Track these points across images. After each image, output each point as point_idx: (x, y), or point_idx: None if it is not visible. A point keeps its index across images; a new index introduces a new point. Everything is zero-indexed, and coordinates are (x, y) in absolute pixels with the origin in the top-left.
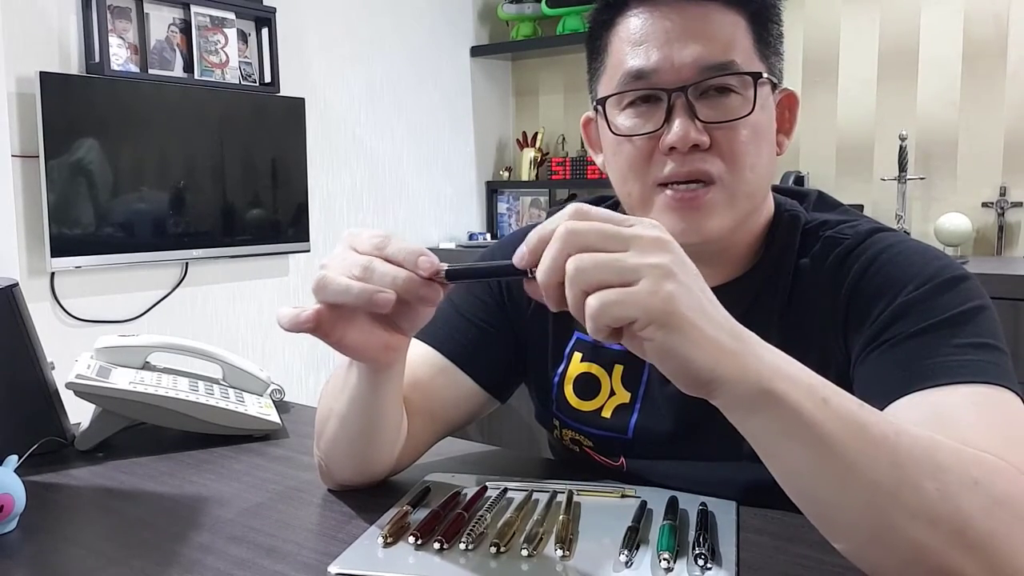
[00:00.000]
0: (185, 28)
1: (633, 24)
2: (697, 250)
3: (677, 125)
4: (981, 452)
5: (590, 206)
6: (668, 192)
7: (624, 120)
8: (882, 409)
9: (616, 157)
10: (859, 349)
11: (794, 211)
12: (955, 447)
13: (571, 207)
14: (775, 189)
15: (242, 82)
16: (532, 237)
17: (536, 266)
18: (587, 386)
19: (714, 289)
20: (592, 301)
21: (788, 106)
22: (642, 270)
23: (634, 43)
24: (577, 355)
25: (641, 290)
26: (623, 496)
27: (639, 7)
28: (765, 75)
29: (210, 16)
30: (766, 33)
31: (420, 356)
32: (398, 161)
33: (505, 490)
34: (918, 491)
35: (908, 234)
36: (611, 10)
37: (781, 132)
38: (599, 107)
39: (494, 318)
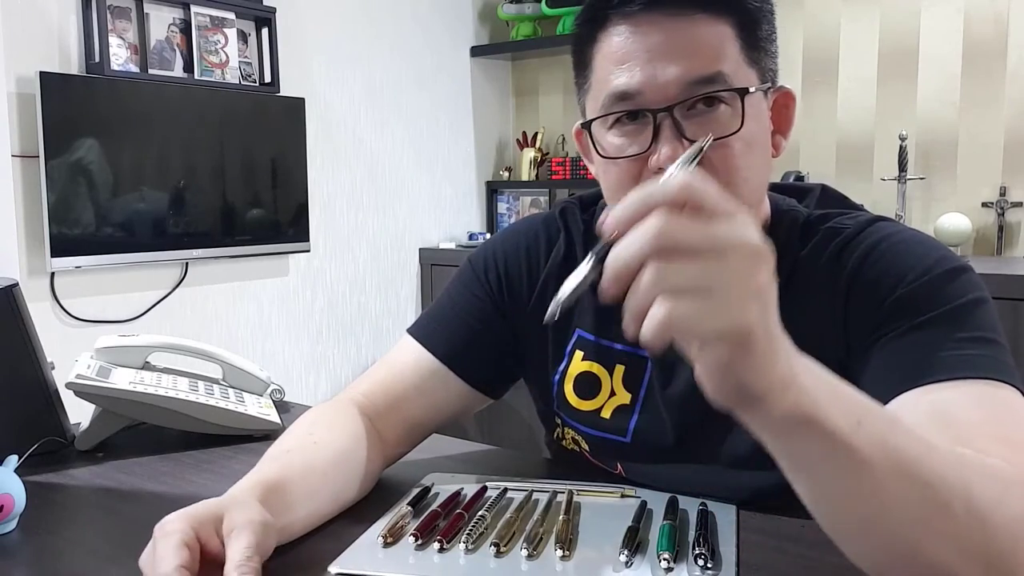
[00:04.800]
0: (185, 28)
1: (616, 42)
2: None
3: (665, 147)
4: (996, 462)
5: (708, 187)
6: None
7: (611, 139)
8: (884, 405)
9: (605, 175)
10: (860, 340)
11: (793, 210)
12: (979, 462)
13: (682, 183)
14: (779, 188)
15: (242, 82)
16: (631, 201)
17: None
18: (587, 385)
19: None
20: (663, 311)
21: (784, 105)
22: (733, 286)
23: (617, 62)
24: (579, 353)
25: (725, 307)
26: (623, 496)
27: (621, 23)
28: (754, 88)
29: (210, 16)
30: (755, 37)
31: (413, 357)
32: (398, 161)
33: (505, 490)
34: (947, 513)
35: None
36: (593, 26)
37: (778, 133)
38: (586, 127)
39: (489, 316)
